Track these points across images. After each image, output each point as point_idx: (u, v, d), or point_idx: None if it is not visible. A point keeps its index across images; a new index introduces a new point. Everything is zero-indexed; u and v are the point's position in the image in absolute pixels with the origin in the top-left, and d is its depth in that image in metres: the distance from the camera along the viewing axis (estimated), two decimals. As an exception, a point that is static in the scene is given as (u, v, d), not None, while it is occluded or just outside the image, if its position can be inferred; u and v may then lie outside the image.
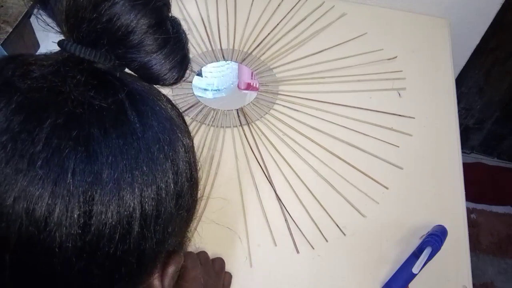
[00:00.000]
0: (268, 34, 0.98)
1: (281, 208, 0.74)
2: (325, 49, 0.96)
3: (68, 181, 0.27)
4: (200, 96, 0.88)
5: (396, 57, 0.95)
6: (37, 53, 0.33)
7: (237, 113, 0.86)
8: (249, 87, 0.92)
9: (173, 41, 0.33)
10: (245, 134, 0.82)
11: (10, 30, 1.28)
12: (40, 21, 0.33)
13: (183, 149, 0.33)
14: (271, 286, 0.64)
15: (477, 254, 1.42)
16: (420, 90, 0.91)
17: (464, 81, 1.29)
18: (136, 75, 0.34)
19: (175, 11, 1.08)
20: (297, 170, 0.78)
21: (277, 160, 0.79)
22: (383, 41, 0.98)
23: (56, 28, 0.33)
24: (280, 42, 0.97)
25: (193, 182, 0.35)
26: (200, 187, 0.75)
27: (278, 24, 1.00)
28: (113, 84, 0.32)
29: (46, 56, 0.32)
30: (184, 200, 0.33)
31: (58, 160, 0.27)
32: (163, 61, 0.32)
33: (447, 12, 1.04)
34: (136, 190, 0.29)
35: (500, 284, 1.37)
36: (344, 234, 0.71)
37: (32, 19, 1.43)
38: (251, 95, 0.89)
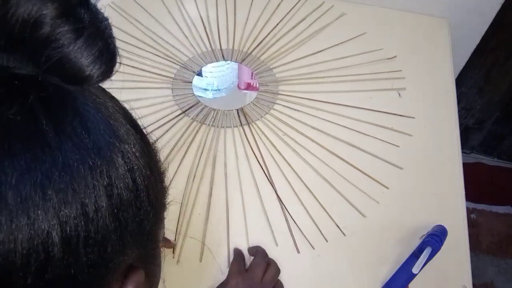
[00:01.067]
0: (268, 34, 0.98)
1: (282, 208, 0.74)
2: (324, 49, 0.96)
3: None
4: (200, 96, 0.88)
5: (395, 56, 0.95)
6: None
7: (237, 113, 0.86)
8: (249, 87, 0.92)
9: (89, 31, 0.28)
10: (245, 134, 0.82)
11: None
12: None
13: (120, 155, 0.29)
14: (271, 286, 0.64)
15: (477, 254, 1.42)
16: (420, 90, 0.91)
17: (464, 81, 1.29)
18: (57, 77, 0.29)
19: (174, 11, 1.08)
20: (297, 170, 0.78)
21: (278, 160, 0.79)
22: (383, 41, 0.98)
23: None
24: (279, 42, 0.97)
25: (139, 190, 0.30)
26: (201, 187, 0.75)
27: (277, 24, 1.00)
28: (22, 90, 0.27)
29: None
30: (128, 212, 0.29)
31: None
32: (79, 56, 0.28)
33: (447, 12, 1.04)
34: (51, 211, 0.25)
35: (500, 284, 1.37)
36: (344, 234, 0.72)
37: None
38: (251, 95, 0.89)
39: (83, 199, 0.27)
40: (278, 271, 0.65)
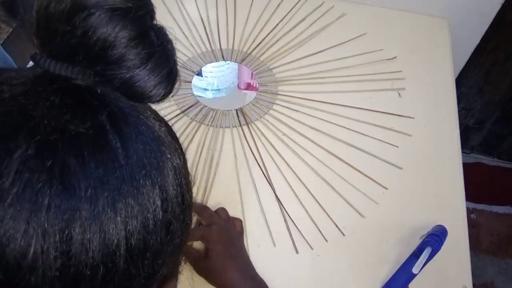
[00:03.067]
0: (268, 34, 0.98)
1: (280, 208, 0.74)
2: (324, 49, 0.96)
3: (42, 219, 0.24)
4: (199, 96, 0.88)
5: (395, 57, 0.95)
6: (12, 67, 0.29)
7: (237, 113, 0.85)
8: (249, 87, 0.92)
9: (158, 54, 0.30)
10: (244, 135, 0.82)
11: (10, 30, 1.28)
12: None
13: (173, 171, 0.30)
14: (271, 286, 0.64)
15: (477, 254, 1.42)
16: (420, 90, 0.91)
17: (464, 81, 1.29)
18: (121, 93, 0.30)
19: (174, 11, 1.08)
20: (296, 170, 0.78)
21: (277, 160, 0.79)
22: (383, 41, 0.98)
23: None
24: (279, 42, 0.97)
25: (185, 205, 0.32)
26: (200, 187, 0.75)
27: (277, 24, 1.00)
28: (91, 104, 0.28)
29: (18, 73, 0.28)
30: (175, 226, 0.30)
31: (31, 196, 0.24)
32: (147, 77, 0.29)
33: (447, 12, 1.04)
34: (120, 224, 0.26)
35: (500, 284, 1.37)
36: (344, 234, 0.71)
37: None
38: (251, 95, 0.89)
39: (145, 213, 0.28)
40: (241, 221, 0.70)
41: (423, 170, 0.80)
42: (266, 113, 0.86)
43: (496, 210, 1.52)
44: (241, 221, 0.69)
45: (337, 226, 0.72)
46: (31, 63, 0.29)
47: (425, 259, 0.64)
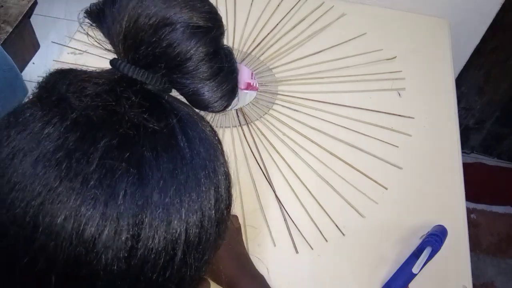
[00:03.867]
0: (268, 34, 0.98)
1: (280, 208, 0.74)
2: (324, 49, 0.96)
3: (119, 203, 0.27)
4: (199, 96, 0.88)
5: (395, 57, 0.95)
6: (86, 69, 0.33)
7: (237, 113, 0.85)
8: (249, 87, 0.92)
9: (226, 70, 0.33)
10: (244, 134, 0.82)
11: (10, 30, 1.28)
12: (90, 36, 0.34)
13: (224, 176, 0.33)
14: (270, 286, 0.64)
15: (477, 254, 1.42)
16: (420, 90, 0.91)
17: (464, 81, 1.29)
18: (186, 99, 0.34)
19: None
20: (296, 170, 0.78)
21: (277, 160, 0.79)
22: (383, 41, 0.98)
23: (105, 45, 0.33)
24: (279, 42, 0.97)
25: (229, 209, 0.34)
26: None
27: (277, 24, 1.00)
28: (164, 108, 0.32)
29: (99, 73, 0.32)
30: (221, 226, 0.33)
31: (111, 182, 0.27)
32: (215, 89, 0.33)
33: (447, 12, 1.04)
34: (184, 216, 0.29)
35: (500, 284, 1.37)
36: (344, 234, 0.71)
37: (32, 19, 1.43)
38: (251, 95, 0.89)
39: (203, 209, 0.30)
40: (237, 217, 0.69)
41: (423, 170, 0.79)
42: (266, 113, 0.86)
43: (496, 210, 1.52)
44: (237, 217, 0.69)
45: (337, 226, 0.72)
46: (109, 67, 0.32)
47: (425, 259, 0.64)
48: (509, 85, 1.31)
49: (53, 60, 0.91)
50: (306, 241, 0.70)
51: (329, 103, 0.87)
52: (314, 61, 0.94)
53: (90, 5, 0.33)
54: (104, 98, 0.29)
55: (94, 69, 0.33)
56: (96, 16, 0.32)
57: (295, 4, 1.04)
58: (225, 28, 0.34)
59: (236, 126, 0.84)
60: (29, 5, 1.36)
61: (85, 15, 0.33)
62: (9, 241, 0.27)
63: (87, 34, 0.34)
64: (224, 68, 0.33)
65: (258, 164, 0.78)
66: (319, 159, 0.79)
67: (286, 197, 0.75)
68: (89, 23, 0.33)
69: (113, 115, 0.29)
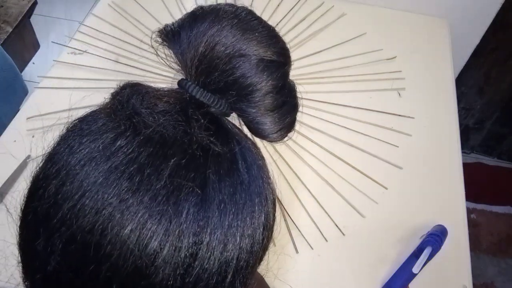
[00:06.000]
0: (268, 34, 0.98)
1: (280, 208, 0.74)
2: (324, 49, 0.96)
3: (181, 221, 0.27)
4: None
5: (395, 57, 0.95)
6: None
7: (237, 113, 0.85)
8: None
9: (289, 104, 0.34)
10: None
11: (10, 30, 1.28)
12: (160, 55, 0.35)
13: (272, 204, 0.34)
14: (271, 286, 0.64)
15: (477, 254, 1.42)
16: (420, 90, 0.91)
17: (464, 81, 1.29)
18: (246, 127, 0.35)
19: (174, 11, 1.08)
20: (296, 170, 0.78)
21: (276, 160, 0.79)
22: (383, 41, 0.98)
23: (174, 65, 0.34)
24: (280, 42, 0.97)
25: (272, 236, 0.35)
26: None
27: (277, 24, 1.00)
28: (228, 132, 0.33)
29: (168, 92, 0.33)
30: (264, 254, 0.34)
31: (176, 199, 0.27)
32: (276, 121, 0.34)
33: (447, 12, 1.04)
34: (238, 240, 0.30)
35: (500, 284, 1.37)
36: (344, 234, 0.71)
37: (32, 19, 1.43)
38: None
39: (254, 235, 0.31)
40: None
41: (423, 170, 0.79)
42: (266, 113, 0.85)
43: (496, 210, 1.52)
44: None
45: (337, 226, 0.72)
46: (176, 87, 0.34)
47: (425, 259, 0.64)
48: (509, 85, 1.31)
49: (53, 60, 0.91)
50: (306, 241, 0.70)
51: (329, 103, 0.87)
52: (314, 61, 0.94)
53: (165, 25, 0.34)
54: (175, 118, 0.30)
55: (160, 86, 0.34)
56: (171, 36, 0.34)
57: (295, 4, 1.04)
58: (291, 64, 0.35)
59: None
60: (29, 5, 1.36)
61: (158, 33, 0.34)
62: (77, 246, 0.27)
63: (156, 53, 0.35)
64: (288, 102, 0.34)
65: (258, 164, 0.78)
66: (319, 159, 0.79)
67: (286, 197, 0.75)
68: (160, 42, 0.34)
69: (183, 135, 0.30)
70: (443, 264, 0.68)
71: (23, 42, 1.41)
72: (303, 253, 0.69)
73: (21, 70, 1.33)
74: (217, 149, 0.30)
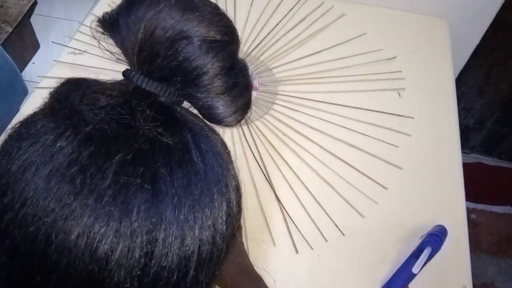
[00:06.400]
0: (268, 34, 0.98)
1: (280, 208, 0.74)
2: (324, 49, 0.96)
3: (132, 220, 0.26)
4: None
5: (395, 57, 0.95)
6: (98, 79, 0.32)
7: (237, 113, 0.85)
8: (248, 87, 0.92)
9: (241, 85, 0.33)
10: (244, 134, 0.82)
11: (10, 30, 1.28)
12: (102, 48, 0.33)
13: (235, 190, 0.33)
14: (270, 286, 0.64)
15: (477, 254, 1.42)
16: (420, 90, 0.91)
17: (464, 81, 1.29)
18: (199, 113, 0.33)
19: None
20: (296, 170, 0.78)
21: (276, 160, 0.79)
22: (383, 41, 0.98)
23: (118, 56, 0.32)
24: (279, 42, 0.97)
25: (239, 223, 0.34)
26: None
27: (277, 24, 1.00)
28: (178, 121, 0.31)
29: (112, 85, 0.31)
30: (231, 241, 0.32)
31: (125, 198, 0.26)
32: (229, 104, 0.32)
33: (447, 12, 1.04)
34: (197, 232, 0.28)
35: (500, 284, 1.37)
36: (343, 234, 0.71)
37: (32, 19, 1.43)
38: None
39: (216, 225, 0.30)
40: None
41: (423, 170, 0.79)
42: (266, 113, 0.85)
43: (496, 210, 1.52)
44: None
45: (337, 226, 0.72)
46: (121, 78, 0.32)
47: (425, 259, 0.64)
48: (509, 85, 1.31)
49: (53, 60, 0.91)
50: (306, 241, 0.70)
51: (329, 103, 0.87)
52: (314, 61, 0.94)
53: (104, 13, 0.32)
54: (118, 111, 0.29)
55: (105, 79, 0.32)
56: (109, 25, 0.32)
57: (295, 4, 1.04)
58: (240, 42, 0.34)
59: (236, 126, 0.83)
60: (29, 5, 1.36)
61: (97, 23, 0.32)
62: (21, 258, 0.26)
63: (99, 43, 0.33)
64: (239, 83, 0.33)
65: (258, 164, 0.78)
66: (319, 159, 0.79)
67: (286, 197, 0.75)
68: (101, 31, 0.32)
69: (128, 129, 0.28)
70: (443, 264, 0.68)
71: (23, 42, 1.41)
72: (303, 253, 0.69)
73: (21, 70, 1.33)
74: (165, 140, 0.29)
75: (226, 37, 0.31)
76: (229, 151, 0.34)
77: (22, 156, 0.27)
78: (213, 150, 0.31)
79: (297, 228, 0.71)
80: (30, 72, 1.55)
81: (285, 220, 0.72)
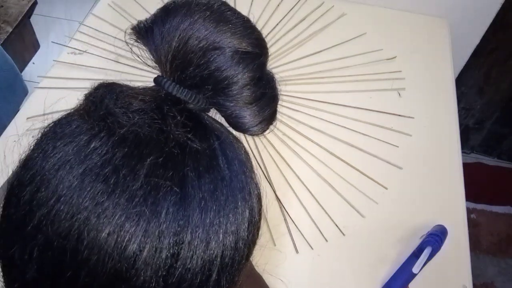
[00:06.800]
0: (268, 34, 0.98)
1: (280, 208, 0.74)
2: (324, 49, 0.96)
3: (161, 221, 0.27)
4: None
5: (395, 57, 0.95)
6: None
7: (237, 113, 0.85)
8: (248, 87, 0.92)
9: (268, 95, 0.34)
10: (244, 134, 0.82)
11: (10, 30, 1.28)
12: (134, 53, 0.34)
13: (257, 198, 0.33)
14: (270, 286, 0.64)
15: (477, 254, 1.42)
16: (420, 90, 0.91)
17: (464, 81, 1.29)
18: (226, 121, 0.34)
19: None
20: (296, 170, 0.78)
21: (277, 160, 0.79)
22: (383, 41, 0.98)
23: (150, 63, 0.33)
24: (279, 42, 0.97)
25: (259, 231, 0.34)
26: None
27: (277, 24, 1.00)
28: (206, 128, 0.32)
29: (144, 90, 0.32)
30: (251, 248, 0.33)
31: (155, 200, 0.27)
32: (256, 113, 0.33)
33: (447, 12, 1.04)
34: (221, 237, 0.29)
35: (500, 284, 1.37)
36: (344, 234, 0.71)
37: (32, 19, 1.43)
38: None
39: (239, 231, 0.30)
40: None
41: (423, 170, 0.79)
42: (266, 113, 0.85)
43: (496, 210, 1.52)
44: None
45: (337, 226, 0.72)
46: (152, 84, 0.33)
47: (425, 259, 0.64)
48: (509, 85, 1.31)
49: (53, 60, 0.91)
50: (306, 241, 0.70)
51: (329, 103, 0.87)
52: (314, 61, 0.94)
53: (138, 22, 0.33)
54: (151, 116, 0.29)
55: (134, 84, 0.33)
56: (144, 33, 0.33)
57: (295, 4, 1.04)
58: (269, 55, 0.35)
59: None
60: (29, 5, 1.36)
61: (131, 31, 0.33)
62: (53, 253, 0.27)
63: (131, 50, 0.34)
64: (266, 94, 0.34)
65: (258, 164, 0.78)
66: (319, 159, 0.79)
67: (286, 197, 0.75)
68: (134, 39, 0.33)
69: (159, 133, 0.29)
70: (443, 264, 0.68)
71: (23, 42, 1.41)
72: (303, 253, 0.69)
73: (21, 70, 1.33)
74: (195, 145, 0.30)
75: (257, 49, 0.33)
76: (251, 161, 0.35)
77: (57, 154, 0.28)
78: (238, 158, 0.32)
79: (297, 228, 0.71)
80: (30, 72, 1.55)
81: (285, 220, 0.72)
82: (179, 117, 0.30)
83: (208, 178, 0.29)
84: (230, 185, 0.30)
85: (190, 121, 0.31)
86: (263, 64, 0.34)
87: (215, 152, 0.31)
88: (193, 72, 0.31)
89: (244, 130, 0.34)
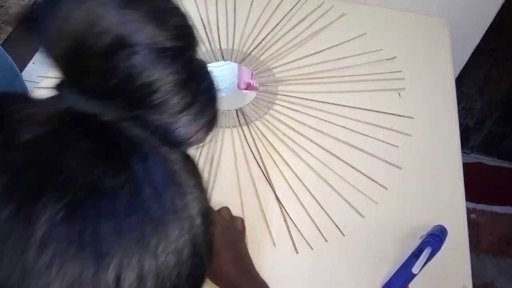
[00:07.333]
0: (268, 34, 0.98)
1: (280, 208, 0.74)
2: (324, 49, 0.96)
3: None
4: (199, 96, 0.88)
5: (395, 57, 0.95)
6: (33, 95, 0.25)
7: (237, 113, 0.85)
8: (249, 87, 0.92)
9: (203, 99, 0.27)
10: (244, 135, 0.82)
11: (10, 30, 1.28)
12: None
13: (201, 218, 0.26)
14: (271, 286, 0.64)
15: (477, 254, 1.42)
16: (420, 90, 0.91)
17: (464, 81, 1.29)
18: (153, 135, 0.26)
19: (174, 11, 1.07)
20: (296, 170, 0.78)
21: (276, 160, 0.79)
22: (383, 41, 0.98)
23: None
24: (279, 42, 0.97)
25: (211, 261, 0.28)
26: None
27: (277, 24, 1.00)
28: (125, 150, 0.24)
29: (40, 107, 0.24)
30: (204, 275, 0.27)
31: (59, 271, 0.21)
32: (190, 123, 0.26)
33: (447, 12, 1.04)
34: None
35: (500, 284, 1.37)
36: (343, 234, 0.71)
37: (32, 19, 1.43)
38: (251, 95, 0.89)
39: (180, 272, 0.24)
40: (243, 220, 0.68)
41: (423, 170, 0.79)
42: (266, 113, 0.85)
43: (496, 210, 1.52)
44: (242, 220, 0.69)
45: (337, 226, 0.72)
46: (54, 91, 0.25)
47: (425, 259, 0.64)
48: (509, 85, 1.31)
49: (53, 60, 0.91)
50: (306, 241, 0.70)
51: (330, 103, 0.87)
52: (314, 61, 0.94)
53: (26, 8, 0.25)
54: (46, 146, 0.22)
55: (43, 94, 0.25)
56: (33, 25, 0.25)
57: (295, 4, 1.04)
58: (198, 42, 0.27)
59: (236, 126, 0.84)
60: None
61: (14, 21, 0.26)
62: None
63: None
64: (200, 97, 0.27)
65: (258, 164, 0.78)
66: (319, 159, 0.79)
67: (286, 197, 0.75)
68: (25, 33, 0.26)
69: (58, 174, 0.22)
70: (443, 264, 0.68)
71: (23, 42, 1.41)
72: (303, 253, 0.69)
73: (21, 70, 1.33)
74: (107, 184, 0.22)
75: (179, 42, 0.25)
76: (195, 166, 0.28)
77: None
78: (172, 181, 0.25)
79: (297, 228, 0.71)
80: (30, 72, 1.55)
81: (285, 220, 0.72)
82: (84, 144, 0.23)
83: (129, 226, 0.22)
84: (163, 223, 0.23)
85: (101, 142, 0.24)
86: (191, 60, 0.26)
87: (138, 184, 0.23)
88: (98, 80, 0.24)
89: (179, 144, 0.27)
